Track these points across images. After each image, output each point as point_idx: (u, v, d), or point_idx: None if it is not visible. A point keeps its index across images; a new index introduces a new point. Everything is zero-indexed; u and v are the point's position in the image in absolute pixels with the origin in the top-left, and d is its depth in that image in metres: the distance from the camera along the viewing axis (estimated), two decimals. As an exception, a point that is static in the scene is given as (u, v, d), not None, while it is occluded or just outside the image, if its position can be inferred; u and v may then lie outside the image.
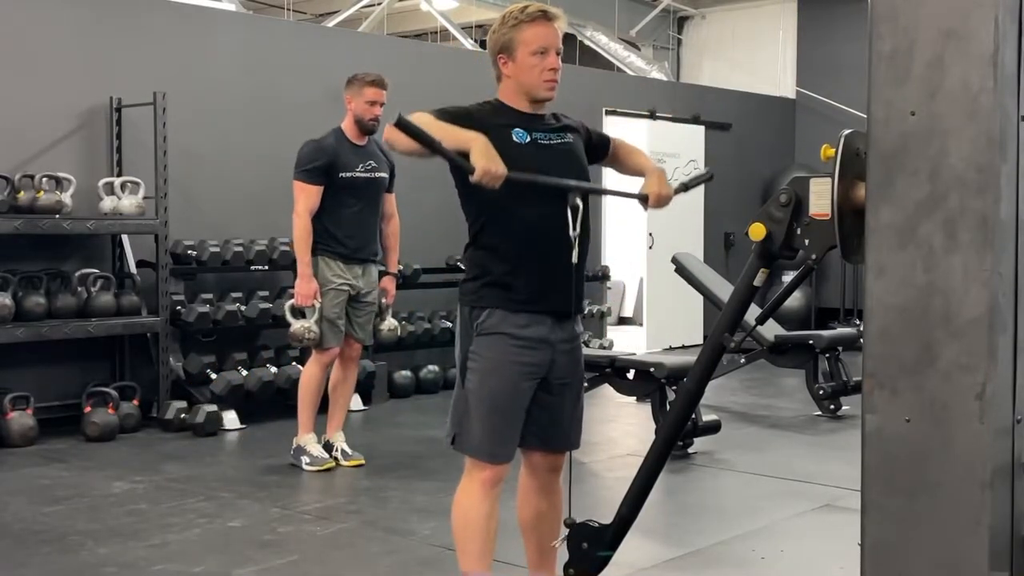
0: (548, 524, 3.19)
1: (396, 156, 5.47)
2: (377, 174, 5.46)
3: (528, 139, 2.96)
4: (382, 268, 5.65)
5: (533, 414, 3.02)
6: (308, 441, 5.44)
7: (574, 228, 2.91)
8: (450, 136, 2.79)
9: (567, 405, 3.09)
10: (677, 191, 3.11)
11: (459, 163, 2.79)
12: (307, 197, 5.29)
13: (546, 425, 3.06)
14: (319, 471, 5.34)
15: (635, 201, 3.09)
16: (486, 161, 2.74)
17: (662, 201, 3.05)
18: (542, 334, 2.97)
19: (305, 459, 5.40)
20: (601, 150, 3.23)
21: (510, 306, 2.94)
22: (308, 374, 5.47)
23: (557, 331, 3.00)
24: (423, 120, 2.82)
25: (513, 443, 3.01)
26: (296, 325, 5.36)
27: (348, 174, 5.34)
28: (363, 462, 5.48)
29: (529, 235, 2.94)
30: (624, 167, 3.26)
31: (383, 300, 5.69)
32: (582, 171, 3.07)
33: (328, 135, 5.40)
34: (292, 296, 5.43)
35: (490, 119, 2.94)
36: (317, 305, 5.32)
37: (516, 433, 3.00)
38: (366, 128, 5.40)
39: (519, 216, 2.93)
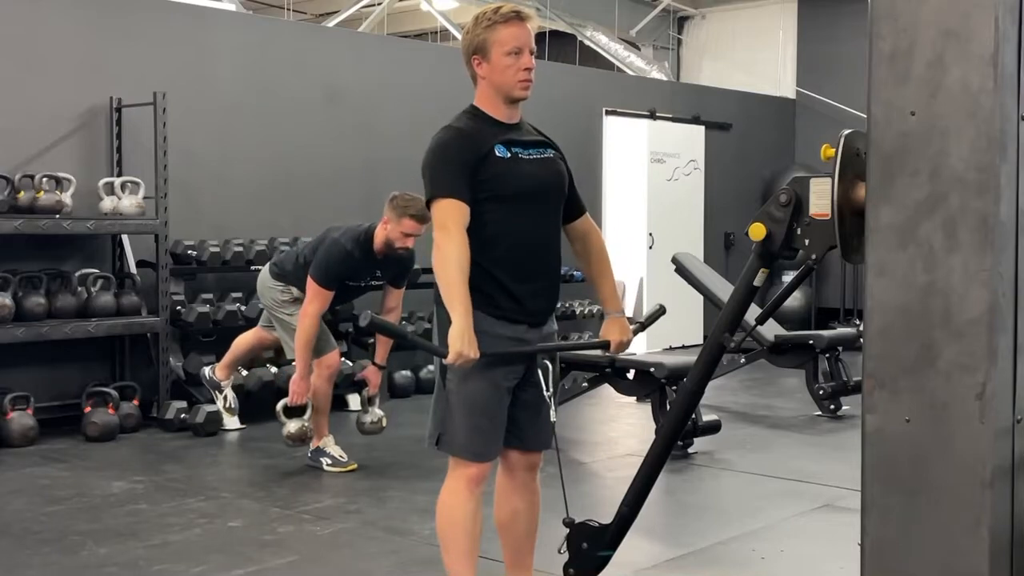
0: (525, 523, 3.20)
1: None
2: (380, 282, 5.44)
3: (508, 155, 2.98)
4: (368, 362, 5.62)
5: (511, 413, 3.04)
6: (327, 443, 5.45)
7: (547, 388, 3.04)
8: (446, 294, 2.84)
9: (544, 404, 3.10)
10: (636, 332, 3.25)
11: (432, 350, 2.97)
12: (321, 302, 5.18)
13: (524, 424, 3.09)
14: (341, 472, 5.35)
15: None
16: (460, 345, 2.79)
17: (623, 347, 3.18)
18: (519, 333, 3.01)
19: (326, 460, 5.41)
20: (571, 211, 3.18)
21: (489, 311, 2.96)
22: (315, 386, 5.38)
23: (534, 331, 3.05)
24: (448, 214, 2.86)
25: (497, 441, 3.04)
26: (293, 427, 5.32)
27: (353, 283, 5.35)
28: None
29: (512, 249, 2.97)
30: (587, 271, 3.27)
31: (367, 391, 5.62)
32: (560, 185, 3.09)
33: (356, 243, 5.17)
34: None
35: (482, 137, 2.95)
36: (309, 402, 5.32)
37: (500, 431, 3.03)
38: (393, 253, 5.21)
39: (502, 229, 2.96)
